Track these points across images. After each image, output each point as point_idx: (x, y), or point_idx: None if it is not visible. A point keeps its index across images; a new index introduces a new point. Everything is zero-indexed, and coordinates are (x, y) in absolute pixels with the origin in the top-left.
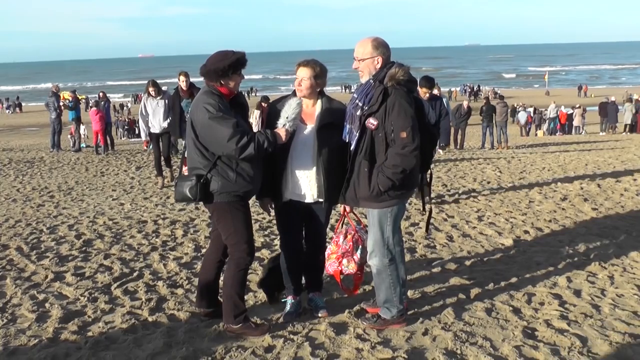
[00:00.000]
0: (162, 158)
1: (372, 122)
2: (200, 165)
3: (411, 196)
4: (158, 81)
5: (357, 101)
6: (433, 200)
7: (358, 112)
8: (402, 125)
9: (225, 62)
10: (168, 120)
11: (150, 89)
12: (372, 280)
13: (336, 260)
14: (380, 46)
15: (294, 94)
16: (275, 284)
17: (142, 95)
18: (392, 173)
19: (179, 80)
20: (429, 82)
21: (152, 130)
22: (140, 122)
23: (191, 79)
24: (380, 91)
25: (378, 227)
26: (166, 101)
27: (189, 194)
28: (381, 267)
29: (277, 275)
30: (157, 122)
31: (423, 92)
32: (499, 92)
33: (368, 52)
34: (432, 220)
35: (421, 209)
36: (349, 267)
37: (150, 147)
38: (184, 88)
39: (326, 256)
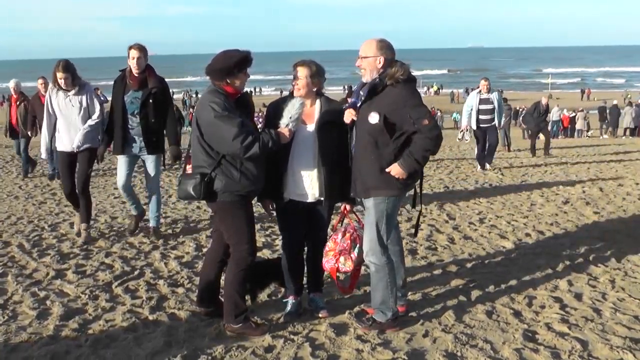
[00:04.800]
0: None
1: (373, 116)
2: (204, 164)
3: (409, 190)
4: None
5: (361, 97)
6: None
7: (358, 104)
8: (421, 114)
9: (231, 60)
10: (86, 130)
11: (60, 76)
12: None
13: (333, 257)
14: (385, 47)
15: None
16: (253, 286)
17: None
18: (422, 156)
19: (128, 57)
20: None
21: (60, 148)
22: (44, 130)
23: (191, 78)
24: (370, 86)
25: (374, 225)
26: (86, 98)
27: (192, 192)
28: (379, 266)
29: (254, 276)
30: (67, 132)
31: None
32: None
33: (372, 51)
34: (433, 222)
35: (411, 206)
36: (346, 265)
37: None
38: (135, 72)
39: (324, 253)
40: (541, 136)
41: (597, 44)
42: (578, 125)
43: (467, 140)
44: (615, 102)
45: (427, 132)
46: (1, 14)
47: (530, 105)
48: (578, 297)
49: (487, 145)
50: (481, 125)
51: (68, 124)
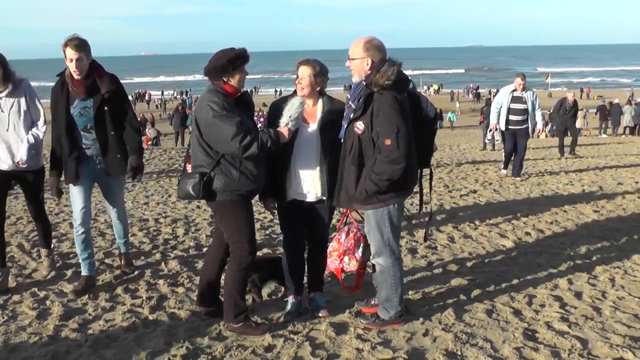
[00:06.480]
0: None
1: (358, 127)
2: (204, 163)
3: (410, 194)
4: (158, 79)
5: (350, 102)
6: (435, 203)
7: (347, 113)
8: (386, 132)
9: (225, 58)
10: (31, 142)
11: None
12: (372, 280)
13: (337, 257)
14: (372, 48)
15: (295, 93)
16: (262, 284)
17: None
18: (377, 179)
19: (65, 57)
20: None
21: None
22: None
23: (184, 77)
24: (363, 95)
25: (377, 230)
26: (24, 99)
27: (192, 191)
28: (385, 267)
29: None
30: (3, 147)
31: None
32: None
33: (358, 52)
34: (433, 221)
35: (419, 208)
36: (350, 265)
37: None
38: (76, 75)
39: (328, 253)
40: (568, 133)
41: (599, 42)
42: (577, 124)
43: (497, 140)
44: (617, 100)
45: (386, 153)
46: (0, 13)
47: (556, 103)
48: (578, 295)
49: (516, 150)
50: (510, 127)
51: (1, 137)
